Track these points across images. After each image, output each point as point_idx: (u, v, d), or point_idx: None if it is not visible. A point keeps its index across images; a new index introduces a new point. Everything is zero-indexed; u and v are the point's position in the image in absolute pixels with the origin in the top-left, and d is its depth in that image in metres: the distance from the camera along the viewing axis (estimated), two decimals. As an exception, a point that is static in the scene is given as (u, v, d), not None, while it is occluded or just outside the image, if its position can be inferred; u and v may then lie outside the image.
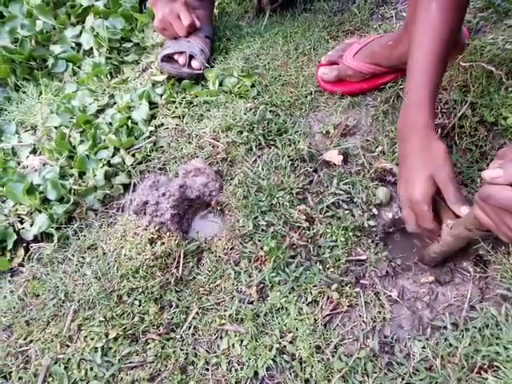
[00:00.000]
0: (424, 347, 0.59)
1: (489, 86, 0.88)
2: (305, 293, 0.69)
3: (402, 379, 0.58)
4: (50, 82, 1.21)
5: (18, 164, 1.02)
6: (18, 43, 1.21)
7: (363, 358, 0.60)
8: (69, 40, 1.27)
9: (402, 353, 0.60)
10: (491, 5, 1.01)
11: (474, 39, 0.94)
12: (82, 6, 1.30)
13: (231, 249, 0.77)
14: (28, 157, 1.03)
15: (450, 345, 0.59)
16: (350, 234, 0.74)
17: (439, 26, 0.67)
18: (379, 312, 0.65)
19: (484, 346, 0.57)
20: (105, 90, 1.13)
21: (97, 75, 1.16)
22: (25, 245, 0.89)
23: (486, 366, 0.55)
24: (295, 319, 0.66)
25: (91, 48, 1.24)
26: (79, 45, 1.27)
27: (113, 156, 0.96)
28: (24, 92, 1.20)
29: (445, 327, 0.61)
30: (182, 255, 0.77)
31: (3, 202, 0.95)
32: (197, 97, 1.03)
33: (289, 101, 0.99)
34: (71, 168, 0.97)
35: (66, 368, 0.68)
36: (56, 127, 1.06)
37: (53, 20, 1.29)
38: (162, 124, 1.01)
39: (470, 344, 0.57)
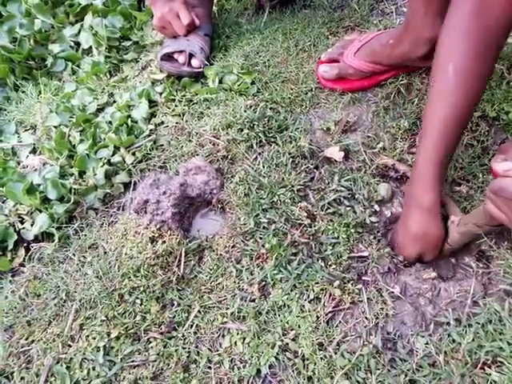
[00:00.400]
0: (427, 343, 0.59)
1: (490, 81, 0.87)
2: (307, 290, 0.69)
3: (406, 376, 0.58)
4: (49, 82, 1.21)
5: (18, 164, 1.02)
6: (16, 43, 1.21)
7: (366, 355, 0.60)
8: (67, 39, 1.26)
9: (405, 349, 0.60)
10: (492, -1, 1.00)
11: (475, 34, 0.93)
12: (80, 4, 1.29)
13: (233, 247, 0.77)
14: (28, 156, 1.03)
15: (453, 341, 0.58)
16: (352, 230, 0.74)
17: (455, 95, 0.60)
18: (382, 308, 0.65)
19: (487, 341, 0.56)
20: (104, 88, 1.13)
21: (96, 74, 1.15)
22: (25, 245, 0.89)
23: (489, 362, 0.55)
24: (297, 316, 0.66)
25: (90, 47, 1.24)
26: (78, 44, 1.26)
27: (113, 155, 0.96)
28: (23, 92, 1.19)
29: (448, 323, 0.61)
30: (183, 254, 0.77)
31: (3, 202, 0.95)
32: (197, 94, 1.02)
33: (289, 98, 0.98)
34: (71, 167, 0.96)
35: (68, 368, 0.68)
36: (55, 126, 1.06)
37: (51, 19, 1.28)
38: (162, 122, 1.01)
39: (473, 340, 0.57)
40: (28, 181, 0.92)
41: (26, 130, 1.10)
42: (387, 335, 0.62)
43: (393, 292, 0.67)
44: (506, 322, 0.57)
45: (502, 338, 0.56)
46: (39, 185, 0.94)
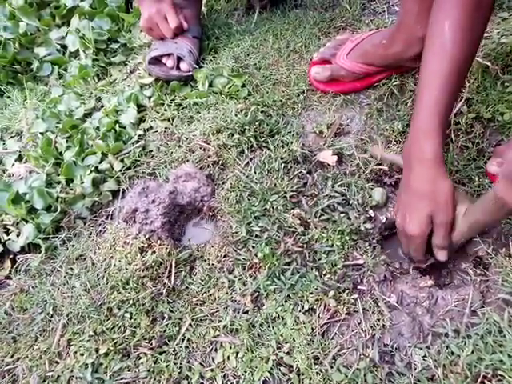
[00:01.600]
0: (425, 356, 0.57)
1: (485, 82, 0.86)
2: (301, 301, 0.67)
3: (404, 390, 0.56)
4: (35, 86, 1.18)
5: (3, 172, 0.99)
6: (0, 46, 1.18)
7: (363, 369, 0.58)
8: (54, 42, 1.23)
9: (402, 362, 0.58)
10: (485, -2, 0.99)
11: (469, 33, 0.92)
12: (66, 6, 1.26)
13: (224, 256, 0.75)
14: (13, 164, 1.00)
15: (452, 353, 0.57)
16: (347, 237, 0.72)
17: (452, 47, 0.61)
18: (378, 319, 0.63)
19: (487, 354, 0.55)
20: (92, 92, 1.10)
21: (83, 78, 1.12)
22: (11, 256, 0.86)
23: (489, 376, 0.53)
24: (292, 329, 0.64)
25: (77, 50, 1.21)
26: (65, 47, 1.24)
27: (101, 162, 0.93)
28: (8, 97, 1.16)
29: (446, 334, 0.59)
30: (173, 264, 0.75)
31: (-12, 212, 0.92)
32: (186, 98, 1.00)
33: (281, 100, 0.96)
34: (58, 175, 0.94)
35: (55, 386, 0.65)
36: (42, 133, 1.03)
37: (37, 21, 1.25)
38: (151, 127, 0.98)
39: (472, 352, 0.55)
40: (13, 190, 0.90)
41: (11, 137, 1.08)
42: (384, 347, 0.60)
43: (389, 301, 0.65)
44: (506, 334, 0.56)
45: (502, 350, 0.54)
46: (25, 194, 0.91)
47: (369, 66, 0.91)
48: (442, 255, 0.66)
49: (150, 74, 1.06)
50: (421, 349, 0.59)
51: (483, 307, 0.61)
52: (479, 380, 0.53)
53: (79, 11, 1.23)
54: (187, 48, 1.03)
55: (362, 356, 0.59)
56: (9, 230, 0.88)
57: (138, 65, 1.13)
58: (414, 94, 0.92)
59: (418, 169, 0.65)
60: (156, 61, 1.02)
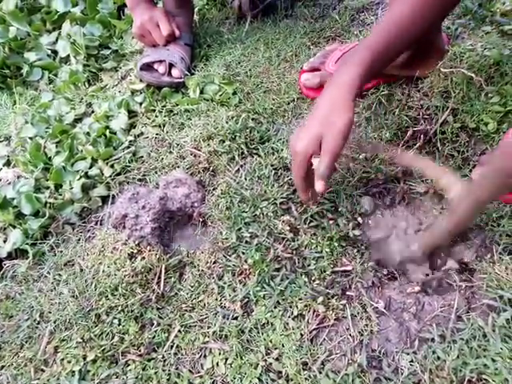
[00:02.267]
0: (412, 361, 0.58)
1: (469, 92, 0.88)
2: (290, 307, 0.67)
3: (391, 395, 0.57)
4: (24, 91, 1.18)
5: (-9, 177, 0.98)
6: (-10, 51, 1.17)
7: (351, 375, 0.58)
8: (44, 47, 1.23)
9: (390, 367, 0.59)
10: (469, 12, 1.02)
11: (454, 45, 0.95)
12: (57, 12, 1.27)
13: (214, 262, 0.75)
14: (1, 169, 0.99)
15: (438, 358, 0.57)
16: (336, 244, 0.73)
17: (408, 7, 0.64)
18: (366, 325, 0.64)
19: (472, 358, 0.56)
20: (82, 98, 1.10)
21: (74, 83, 1.12)
22: (-2, 262, 0.85)
23: (474, 379, 0.54)
24: (281, 335, 0.64)
25: (68, 55, 1.21)
26: (55, 52, 1.24)
27: (90, 167, 0.93)
28: (-3, 101, 1.15)
29: (432, 339, 0.60)
30: (163, 270, 0.74)
31: (-25, 218, 0.91)
32: (177, 105, 1.00)
33: (271, 108, 0.97)
34: (47, 180, 0.93)
35: (40, 394, 0.64)
36: (31, 138, 1.02)
37: (27, 26, 1.25)
38: (142, 133, 0.99)
39: (458, 357, 0.56)
40: (1, 195, 0.89)
41: (-1, 142, 1.07)
42: (372, 353, 0.61)
43: (377, 307, 0.66)
44: (490, 338, 0.57)
45: (486, 354, 0.55)
46: (13, 199, 0.90)
47: None
48: (319, 185, 0.63)
49: (141, 80, 1.06)
50: (408, 354, 0.59)
51: (468, 313, 0.62)
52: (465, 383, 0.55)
53: (71, 17, 1.24)
54: (179, 55, 1.04)
55: (350, 361, 0.60)
56: (-5, 235, 0.87)
57: (130, 71, 1.13)
58: (401, 103, 0.94)
59: (328, 90, 0.64)
60: (147, 67, 1.03)
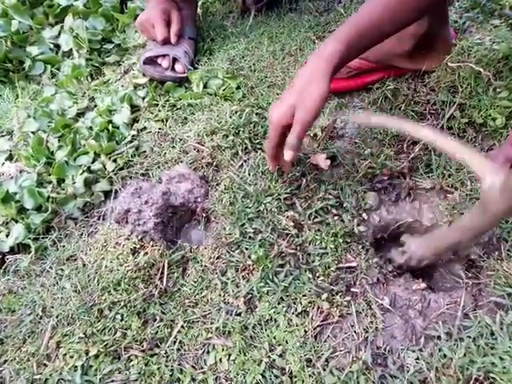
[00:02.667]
0: (418, 358, 0.57)
1: (477, 87, 0.87)
2: (294, 303, 0.66)
3: (396, 393, 0.56)
4: (27, 85, 1.17)
5: (-7, 171, 0.98)
6: (-8, 44, 1.16)
7: (356, 372, 0.58)
8: (47, 41, 1.22)
9: (395, 365, 0.58)
10: (477, 5, 1.00)
11: (462, 39, 0.93)
12: (60, 5, 1.25)
13: (218, 258, 0.74)
14: (4, 164, 0.99)
15: (445, 356, 0.57)
16: (340, 240, 0.72)
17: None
18: (371, 322, 0.63)
19: (479, 356, 0.55)
20: (85, 92, 1.09)
21: (76, 77, 1.11)
22: (0, 257, 0.85)
23: (481, 378, 0.54)
24: (285, 331, 0.64)
25: (70, 49, 1.20)
26: (58, 46, 1.22)
27: (93, 162, 0.92)
28: (0, 95, 1.15)
29: (438, 337, 0.59)
30: (166, 266, 0.74)
31: (-23, 212, 0.90)
32: (180, 99, 0.99)
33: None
34: (49, 175, 0.92)
35: (43, 389, 0.64)
36: (33, 132, 1.02)
37: (29, 20, 1.24)
38: (145, 128, 0.98)
39: (464, 355, 0.55)
40: (3, 189, 0.88)
41: (1, 136, 1.06)
42: (377, 350, 0.60)
43: (382, 304, 0.65)
44: (498, 336, 0.56)
45: (494, 352, 0.55)
46: (15, 193, 0.89)
47: (362, 60, 0.91)
48: (288, 155, 0.66)
49: (144, 75, 1.05)
50: (413, 351, 0.59)
51: (475, 310, 0.61)
52: (471, 383, 0.54)
53: (73, 10, 1.22)
54: (183, 49, 1.03)
55: (354, 358, 0.59)
56: (-2, 230, 0.87)
57: (132, 65, 1.12)
58: (407, 98, 0.93)
59: (308, 62, 0.65)
60: (151, 61, 1.02)
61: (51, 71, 1.18)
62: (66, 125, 1.00)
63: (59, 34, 1.23)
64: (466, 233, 0.57)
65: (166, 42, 1.02)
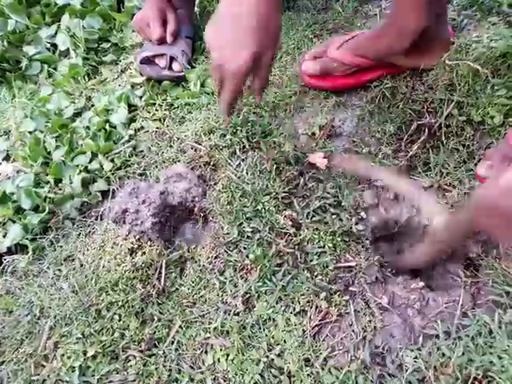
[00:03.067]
0: (416, 357, 0.57)
1: (475, 85, 0.86)
2: (292, 302, 0.66)
3: (395, 392, 0.56)
4: (23, 85, 1.16)
5: (-10, 172, 0.97)
6: (-12, 44, 1.16)
7: (354, 371, 0.57)
8: (44, 40, 1.21)
9: (393, 364, 0.58)
10: (475, 2, 1.00)
11: (459, 37, 0.93)
12: (57, 4, 1.25)
13: (216, 257, 0.74)
14: (1, 164, 0.98)
15: (443, 354, 0.57)
16: (338, 239, 0.72)
17: None
18: (369, 321, 0.63)
19: (478, 355, 0.55)
20: (82, 92, 1.09)
21: (73, 77, 1.11)
22: (-3, 257, 0.85)
23: (480, 377, 0.54)
24: (283, 331, 0.64)
25: (67, 49, 1.19)
26: (55, 45, 1.22)
27: (90, 161, 0.92)
28: (-4, 95, 1.14)
29: (437, 336, 0.59)
30: (163, 265, 0.74)
31: (-26, 213, 0.90)
32: (178, 99, 0.99)
33: (273, 102, 0.96)
34: (46, 175, 0.92)
35: (40, 390, 0.64)
36: (30, 132, 1.01)
37: (26, 19, 1.23)
38: (142, 127, 0.97)
39: (463, 353, 0.55)
40: (0, 190, 0.88)
41: (-2, 136, 1.06)
42: (375, 349, 0.60)
43: (380, 303, 0.65)
44: (496, 335, 0.56)
45: (493, 351, 0.55)
46: (12, 193, 0.89)
47: (360, 57, 0.91)
48: (258, 98, 0.68)
49: (141, 74, 1.05)
50: (412, 350, 0.59)
51: (474, 309, 0.61)
52: (470, 381, 0.54)
53: (70, 10, 1.22)
54: (180, 48, 1.02)
55: (353, 358, 0.59)
56: (-5, 230, 0.86)
57: (130, 64, 1.12)
58: (405, 96, 0.92)
59: None
60: (148, 61, 1.01)
61: (48, 71, 1.18)
62: (63, 125, 1.00)
63: (56, 33, 1.23)
64: (422, 256, 0.68)
65: (161, 41, 1.01)
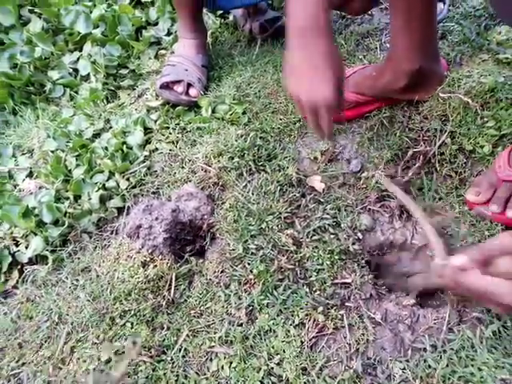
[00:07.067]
0: (404, 368, 0.62)
1: (466, 116, 0.93)
2: (292, 315, 0.71)
3: (384, 400, 0.61)
4: (47, 107, 1.25)
5: (15, 187, 1.05)
6: (16, 69, 1.25)
7: (347, 380, 0.62)
8: (67, 66, 1.31)
9: (383, 374, 0.63)
10: (467, 39, 1.08)
11: (452, 72, 1.00)
12: (80, 33, 1.35)
13: (222, 272, 0.80)
14: (24, 180, 1.06)
15: (429, 366, 0.61)
16: (336, 257, 0.78)
17: None
18: (363, 334, 0.68)
19: (460, 367, 0.59)
20: (101, 114, 1.17)
21: (93, 100, 1.20)
22: (19, 267, 0.91)
23: (462, 387, 0.58)
24: (282, 341, 0.69)
25: (88, 74, 1.29)
26: (76, 70, 1.31)
27: (108, 180, 0.99)
28: (21, 116, 1.23)
29: (424, 349, 0.64)
30: (173, 278, 0.79)
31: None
32: (190, 123, 1.07)
33: (278, 128, 1.03)
34: (66, 191, 0.99)
35: (57, 391, 0.69)
36: (52, 151, 1.09)
37: (51, 47, 1.33)
38: (157, 149, 1.05)
39: (447, 365, 0.60)
40: (24, 204, 0.95)
41: (23, 154, 1.13)
42: (367, 360, 0.65)
43: (374, 318, 0.70)
44: (478, 349, 0.61)
45: (474, 363, 0.59)
46: (34, 208, 0.96)
47: (359, 95, 0.98)
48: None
49: (157, 98, 1.13)
50: (401, 362, 0.63)
51: (459, 325, 0.66)
52: (452, 391, 0.58)
53: (92, 38, 1.32)
54: (197, 76, 1.11)
55: (346, 368, 0.64)
56: (18, 241, 0.93)
57: (146, 90, 1.20)
58: (402, 125, 0.99)
59: (293, 37, 0.65)
60: (166, 86, 1.09)
61: (70, 94, 1.27)
62: (83, 145, 1.07)
63: (78, 59, 1.33)
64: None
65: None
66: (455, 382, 0.58)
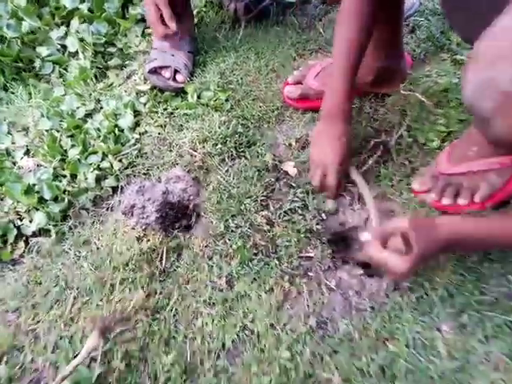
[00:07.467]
0: (347, 324, 0.80)
1: (421, 113, 1.06)
2: (264, 283, 0.87)
3: (331, 348, 0.78)
4: (38, 84, 1.29)
5: (14, 164, 1.13)
6: (5, 44, 1.28)
7: (304, 333, 0.80)
8: (55, 42, 1.33)
9: (332, 328, 0.81)
10: (431, 37, 1.18)
11: (416, 69, 1.12)
12: (66, 8, 1.36)
13: (206, 246, 0.94)
14: (22, 158, 1.14)
15: (367, 322, 0.79)
16: (302, 235, 0.92)
17: (350, 30, 0.88)
18: (319, 298, 0.85)
19: (390, 323, 0.78)
20: (91, 94, 1.23)
21: (84, 79, 1.25)
22: (24, 238, 1.01)
23: (388, 337, 0.77)
24: (255, 303, 0.85)
25: (76, 51, 1.32)
26: (64, 47, 1.34)
27: (102, 161, 1.08)
28: (13, 93, 1.27)
29: (365, 309, 0.82)
30: (164, 251, 0.93)
31: (2, 200, 1.06)
32: (177, 109, 1.16)
33: (258, 115, 1.14)
34: (63, 169, 1.08)
35: (69, 343, 0.84)
36: (47, 130, 1.16)
37: (38, 21, 1.35)
38: (146, 131, 1.14)
39: (380, 322, 0.78)
40: (25, 182, 1.04)
41: (18, 131, 1.20)
42: (321, 318, 0.82)
43: (329, 285, 0.86)
44: (404, 310, 0.79)
45: (399, 321, 0.78)
46: (34, 185, 1.05)
47: None
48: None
49: (145, 81, 1.20)
50: (346, 319, 0.81)
51: (394, 291, 0.83)
52: (381, 340, 0.77)
53: (79, 14, 1.34)
54: (183, 61, 1.18)
55: (304, 324, 0.81)
56: (22, 216, 1.03)
57: (134, 71, 1.27)
58: (368, 115, 1.12)
59: (320, 123, 0.95)
60: (154, 71, 1.16)
61: (59, 71, 1.31)
62: (77, 125, 1.15)
63: (65, 34, 1.35)
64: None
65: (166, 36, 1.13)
66: (384, 334, 0.77)
